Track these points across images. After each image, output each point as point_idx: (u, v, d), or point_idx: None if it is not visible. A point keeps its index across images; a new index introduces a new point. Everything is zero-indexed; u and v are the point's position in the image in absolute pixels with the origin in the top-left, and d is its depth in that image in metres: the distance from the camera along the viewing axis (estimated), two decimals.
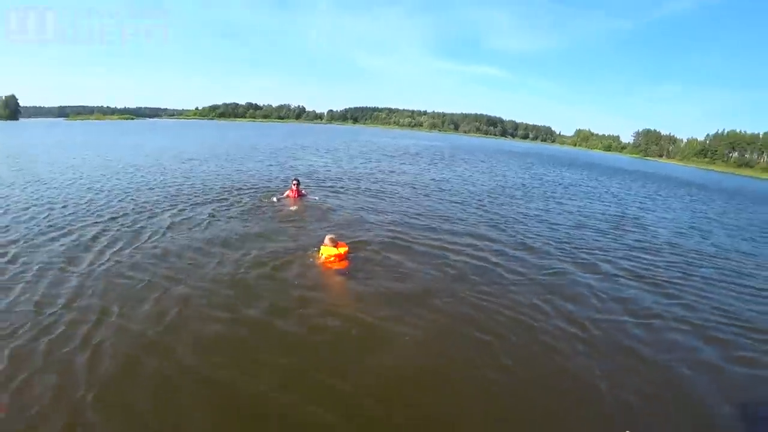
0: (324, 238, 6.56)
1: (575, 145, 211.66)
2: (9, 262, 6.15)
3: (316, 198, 11.65)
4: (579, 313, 5.74)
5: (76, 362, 3.91)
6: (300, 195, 11.07)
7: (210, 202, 10.51)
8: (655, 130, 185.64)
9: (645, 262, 8.68)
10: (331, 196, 12.31)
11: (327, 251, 6.38)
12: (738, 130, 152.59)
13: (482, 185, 18.03)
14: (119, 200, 10.43)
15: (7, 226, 7.94)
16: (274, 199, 10.86)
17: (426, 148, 45.37)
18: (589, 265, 7.99)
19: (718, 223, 15.05)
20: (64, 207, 9.49)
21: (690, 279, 7.91)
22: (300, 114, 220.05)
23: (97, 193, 11.18)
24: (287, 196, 10.98)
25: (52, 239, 7.23)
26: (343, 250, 6.45)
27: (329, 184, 14.37)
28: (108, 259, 6.41)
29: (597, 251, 9.00)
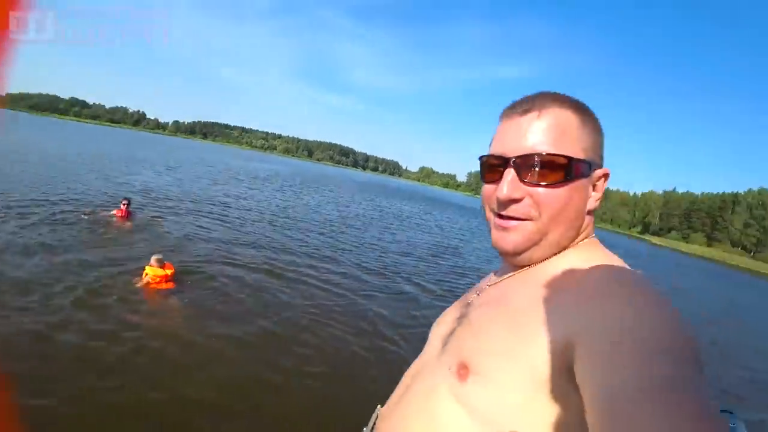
0: (150, 259, 6.33)
1: (419, 180, 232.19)
2: None
3: (149, 217, 11.04)
4: (387, 327, 6.78)
5: None
6: (129, 215, 10.35)
7: (17, 219, 9.13)
8: None
9: (458, 284, 10.44)
10: (167, 218, 11.73)
11: (152, 272, 6.13)
12: None
13: (327, 214, 18.97)
14: None
15: None
16: (98, 216, 9.94)
17: (277, 173, 45.35)
18: (406, 286, 9.30)
19: None
20: None
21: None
22: (139, 120, 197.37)
23: None
24: (114, 214, 10.19)
25: None
26: (170, 271, 6.34)
27: (168, 205, 13.64)
28: None
29: (414, 275, 10.47)
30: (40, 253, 6.96)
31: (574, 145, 0.70)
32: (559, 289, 0.65)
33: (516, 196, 0.70)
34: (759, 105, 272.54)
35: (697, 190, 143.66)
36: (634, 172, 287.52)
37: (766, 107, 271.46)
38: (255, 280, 7.75)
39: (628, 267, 0.68)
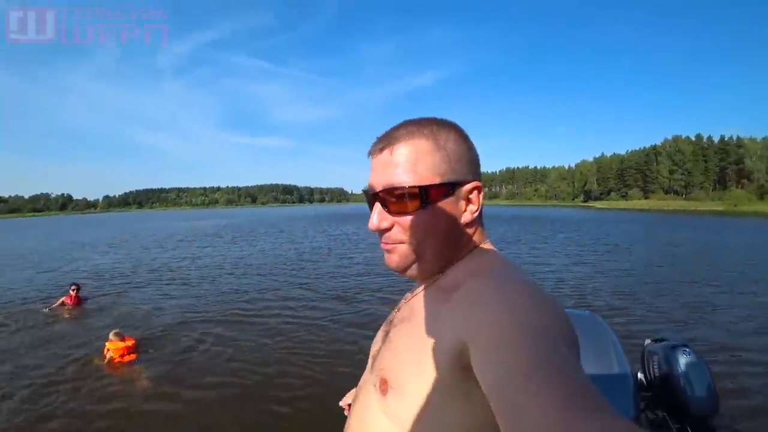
0: (109, 335, 6.41)
1: (365, 201, 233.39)
2: None
3: (103, 298, 10.83)
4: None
5: None
6: (79, 300, 10.05)
7: None
8: None
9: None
10: (124, 294, 11.54)
11: (113, 346, 6.22)
12: (485, 171, 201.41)
13: (284, 254, 19.06)
14: None
15: None
16: (46, 310, 9.57)
17: (225, 226, 44.50)
18: (374, 304, 9.72)
19: None
20: None
21: None
22: (65, 204, 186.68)
23: None
24: (62, 302, 9.82)
25: None
26: (130, 342, 6.41)
27: (121, 281, 13.35)
28: None
29: (380, 292, 10.92)
30: None
31: (428, 171, 0.75)
32: (449, 299, 0.72)
33: (384, 226, 0.78)
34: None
35: (622, 150, 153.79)
36: (566, 146, 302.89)
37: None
38: (222, 332, 7.81)
39: (504, 267, 0.76)
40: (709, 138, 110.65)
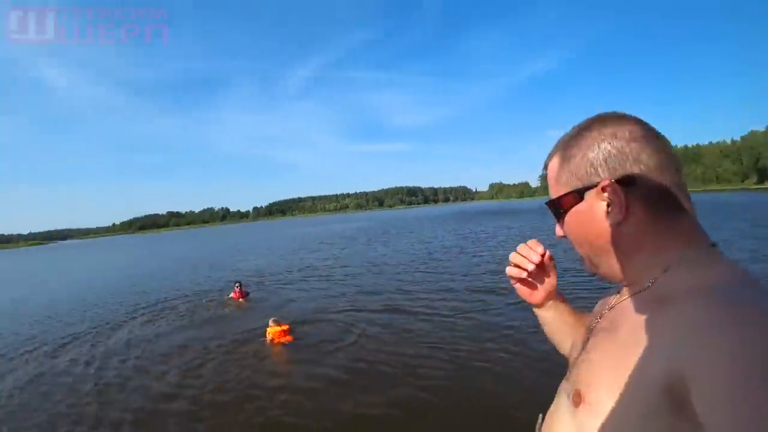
0: (268, 321, 7.75)
1: (492, 198, 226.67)
2: None
3: (262, 292, 12.39)
4: (519, 334, 6.72)
5: None
6: (244, 295, 11.53)
7: (163, 312, 10.59)
8: None
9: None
10: (279, 289, 12.90)
11: (272, 330, 7.46)
12: None
13: (415, 252, 19.39)
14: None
15: None
16: (217, 302, 11.47)
17: (358, 229, 46.98)
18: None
19: None
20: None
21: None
22: (225, 215, 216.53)
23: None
24: (231, 297, 11.43)
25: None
26: (285, 327, 7.58)
27: (276, 279, 14.95)
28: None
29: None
30: (179, 333, 8.73)
31: (559, 184, 0.79)
32: (662, 316, 0.64)
33: (559, 234, 0.83)
34: None
35: None
36: (724, 114, 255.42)
37: None
38: (364, 323, 8.35)
39: (734, 283, 0.62)
40: None
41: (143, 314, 11.17)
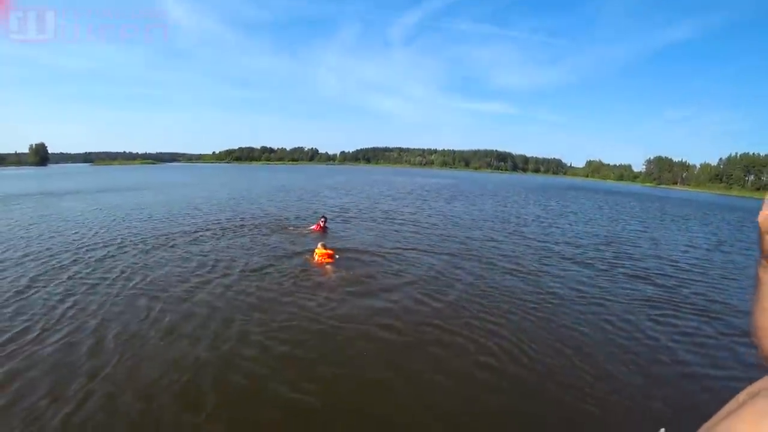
0: (317, 245, 9.53)
1: (587, 176, 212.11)
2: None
3: (340, 228, 13.73)
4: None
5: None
6: (324, 229, 12.68)
7: (267, 228, 12.20)
8: (666, 157, 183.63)
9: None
10: (354, 226, 14.11)
11: (318, 252, 9.29)
12: (752, 153, 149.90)
13: (489, 217, 19.42)
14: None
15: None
16: (302, 230, 12.87)
17: (445, 185, 47.05)
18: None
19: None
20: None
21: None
22: (313, 156, 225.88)
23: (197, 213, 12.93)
24: (313, 229, 12.64)
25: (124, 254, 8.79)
26: (330, 251, 9.33)
27: (348, 216, 16.29)
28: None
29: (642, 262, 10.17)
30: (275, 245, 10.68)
31: None
32: None
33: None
34: None
35: None
36: None
37: None
38: (403, 260, 9.78)
39: None
40: None
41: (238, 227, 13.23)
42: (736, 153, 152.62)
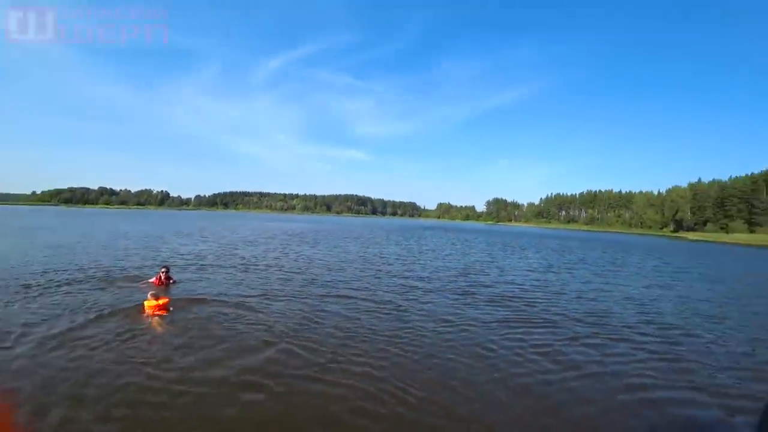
0: (148, 294, 8.49)
1: (438, 217, 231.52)
2: None
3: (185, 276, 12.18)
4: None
5: None
6: (167, 281, 11.00)
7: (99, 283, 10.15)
8: (502, 199, 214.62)
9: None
10: (202, 276, 12.85)
11: (148, 304, 8.31)
12: (562, 193, 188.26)
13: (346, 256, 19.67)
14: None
15: None
16: (140, 284, 10.91)
17: (308, 230, 46.53)
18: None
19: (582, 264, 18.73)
20: None
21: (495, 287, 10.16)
22: (163, 200, 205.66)
23: None
24: (152, 282, 10.84)
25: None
26: (162, 302, 8.37)
27: (204, 264, 14.83)
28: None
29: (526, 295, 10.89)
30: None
31: None
32: None
33: None
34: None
35: (724, 176, 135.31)
36: (655, 170, 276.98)
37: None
38: (244, 310, 8.81)
39: None
40: None
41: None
42: (552, 193, 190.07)
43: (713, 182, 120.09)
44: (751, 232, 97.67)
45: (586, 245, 41.11)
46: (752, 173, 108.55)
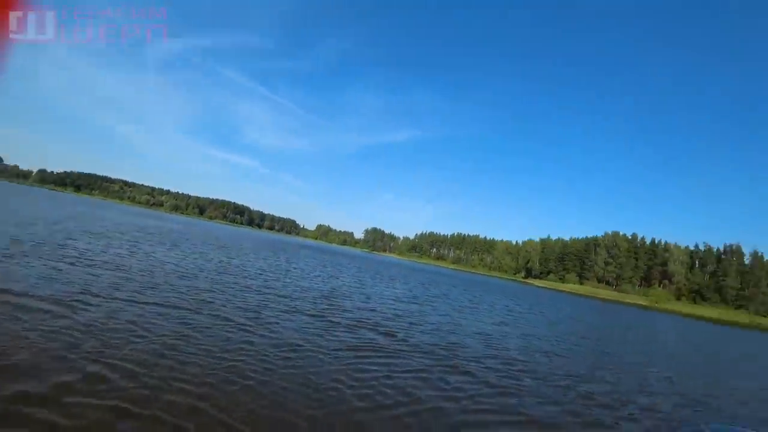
0: None
1: (316, 238, 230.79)
2: None
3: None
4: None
5: None
6: None
7: None
8: (380, 229, 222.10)
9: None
10: (10, 267, 10.29)
11: None
12: (435, 232, 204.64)
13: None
14: None
15: None
16: None
17: (171, 230, 42.12)
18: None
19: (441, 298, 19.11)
20: None
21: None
22: None
23: None
24: None
25: None
26: None
27: (16, 252, 11.98)
28: None
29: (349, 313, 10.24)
30: None
31: None
32: None
33: None
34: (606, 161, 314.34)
35: (567, 236, 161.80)
36: (515, 222, 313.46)
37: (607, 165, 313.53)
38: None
39: None
40: (642, 239, 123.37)
41: None
42: (425, 231, 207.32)
43: (558, 240, 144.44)
44: (581, 284, 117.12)
45: (450, 281, 43.80)
46: (586, 237, 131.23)
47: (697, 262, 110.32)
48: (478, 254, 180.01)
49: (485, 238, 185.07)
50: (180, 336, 6.77)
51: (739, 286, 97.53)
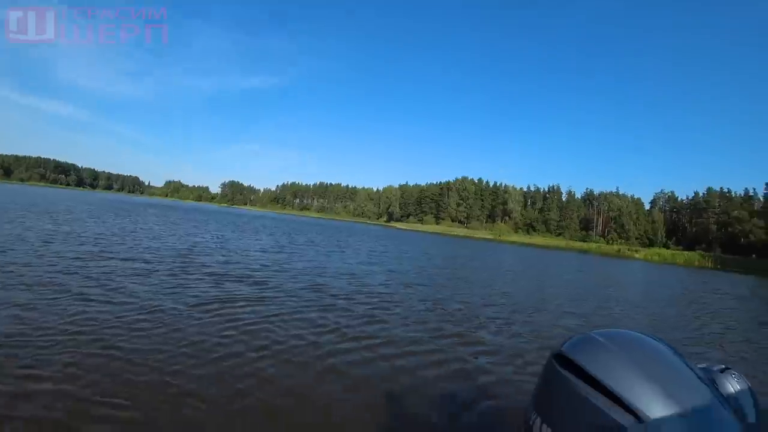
0: None
1: (166, 195, 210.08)
2: None
3: None
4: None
5: None
6: None
7: None
8: (239, 182, 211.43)
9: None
10: None
11: None
12: (297, 182, 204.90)
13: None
14: None
15: None
16: None
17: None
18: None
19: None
20: None
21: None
22: None
23: None
24: None
25: None
26: None
27: None
28: None
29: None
30: None
31: None
32: None
33: None
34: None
35: (423, 181, 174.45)
36: (377, 170, 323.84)
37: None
38: None
39: None
40: (487, 182, 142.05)
41: None
42: (288, 182, 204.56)
43: (416, 186, 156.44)
44: (437, 224, 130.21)
45: (316, 229, 44.05)
46: (440, 182, 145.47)
47: (529, 201, 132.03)
48: (342, 202, 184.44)
49: (347, 186, 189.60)
50: (13, 320, 5.53)
51: (559, 218, 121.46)
